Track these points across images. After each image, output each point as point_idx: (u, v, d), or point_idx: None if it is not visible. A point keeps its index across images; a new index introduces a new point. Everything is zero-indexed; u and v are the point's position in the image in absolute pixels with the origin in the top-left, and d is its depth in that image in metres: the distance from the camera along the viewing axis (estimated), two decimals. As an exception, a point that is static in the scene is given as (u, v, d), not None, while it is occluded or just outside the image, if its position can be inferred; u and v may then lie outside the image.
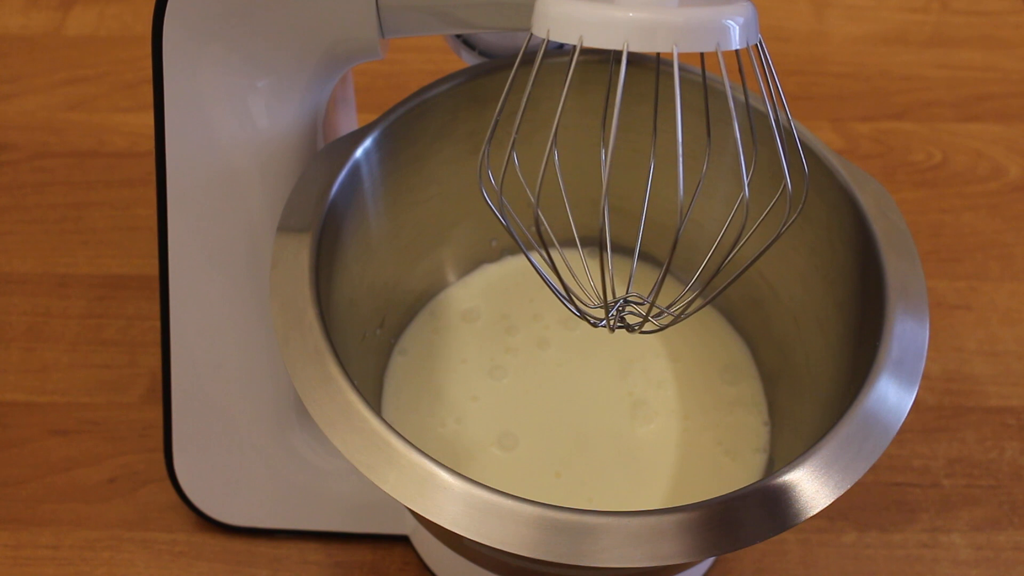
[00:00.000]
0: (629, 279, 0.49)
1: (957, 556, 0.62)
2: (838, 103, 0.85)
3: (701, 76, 0.47)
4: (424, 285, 0.63)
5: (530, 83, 0.39)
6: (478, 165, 0.43)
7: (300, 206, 0.49)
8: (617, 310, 0.46)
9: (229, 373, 0.56)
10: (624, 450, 0.57)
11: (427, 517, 0.40)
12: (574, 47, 0.38)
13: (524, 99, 0.39)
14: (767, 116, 0.51)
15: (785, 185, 0.41)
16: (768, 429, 0.58)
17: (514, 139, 0.41)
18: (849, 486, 0.42)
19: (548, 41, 0.39)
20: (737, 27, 0.37)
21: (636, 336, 0.47)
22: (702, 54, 0.41)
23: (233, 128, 0.49)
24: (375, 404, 0.48)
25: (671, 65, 0.39)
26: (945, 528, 0.63)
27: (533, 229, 0.60)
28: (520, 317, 0.61)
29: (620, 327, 0.45)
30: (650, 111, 0.49)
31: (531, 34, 0.40)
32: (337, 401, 0.43)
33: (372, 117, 0.53)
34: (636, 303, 0.46)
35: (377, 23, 0.46)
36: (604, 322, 0.45)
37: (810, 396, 0.54)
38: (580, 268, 0.58)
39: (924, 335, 0.46)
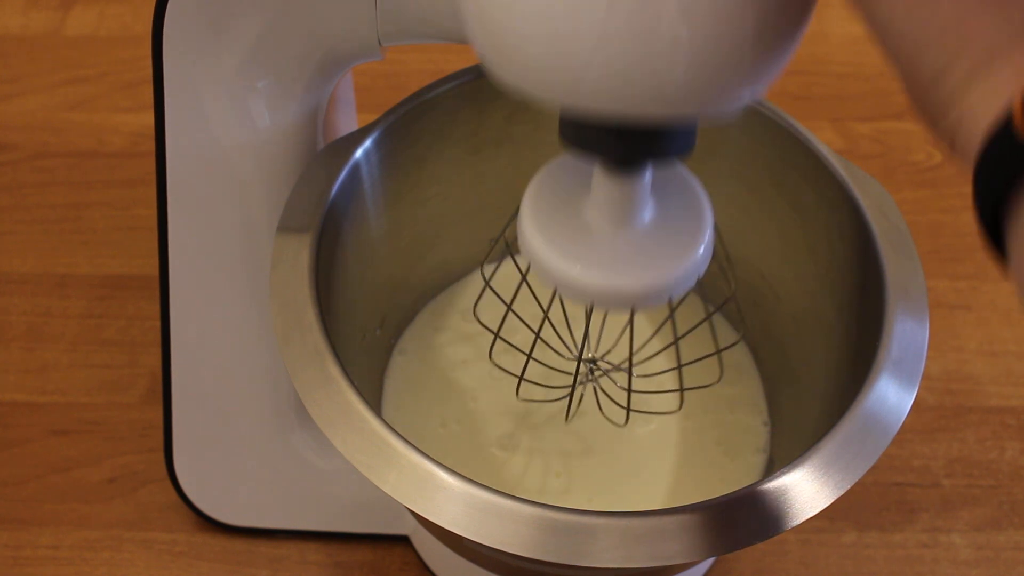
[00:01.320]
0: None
1: (957, 556, 0.62)
2: (838, 103, 0.85)
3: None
4: (424, 285, 0.63)
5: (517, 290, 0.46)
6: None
7: (300, 206, 0.49)
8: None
9: (229, 373, 0.56)
10: (624, 450, 0.57)
11: (427, 517, 0.40)
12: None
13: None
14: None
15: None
16: (768, 429, 0.58)
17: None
18: (849, 486, 0.42)
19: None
20: (688, 282, 0.42)
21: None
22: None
23: (233, 128, 0.49)
24: (375, 404, 0.48)
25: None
26: (945, 528, 0.63)
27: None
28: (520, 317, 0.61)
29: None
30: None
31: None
32: (337, 401, 0.43)
33: (372, 117, 0.53)
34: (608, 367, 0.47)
35: (376, 28, 0.46)
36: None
37: (810, 396, 0.54)
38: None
39: (924, 335, 0.46)
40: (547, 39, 0.32)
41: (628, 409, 0.50)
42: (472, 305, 0.62)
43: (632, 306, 0.42)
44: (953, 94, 0.29)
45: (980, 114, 0.28)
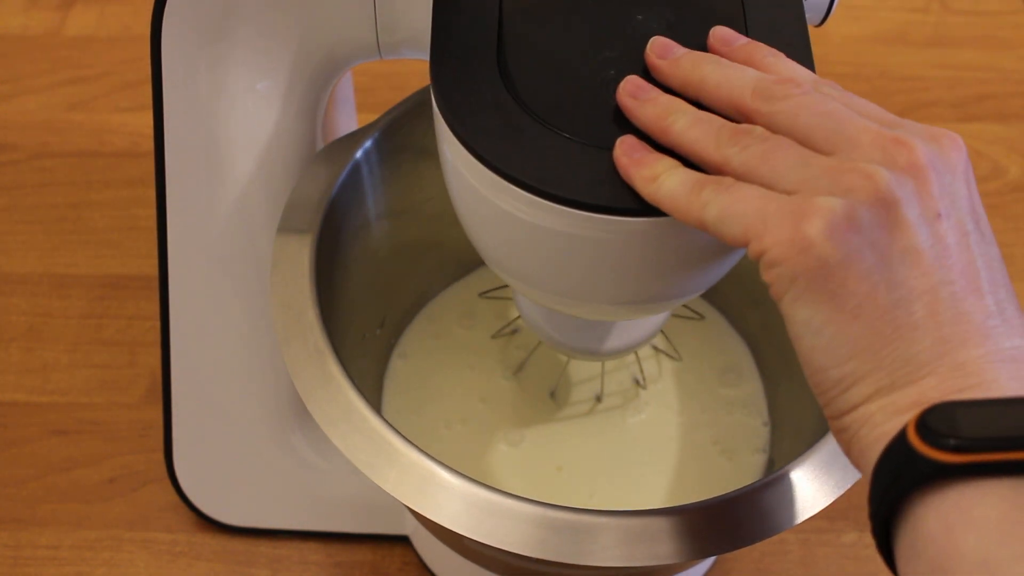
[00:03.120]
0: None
1: (957, 556, 0.62)
2: (838, 103, 0.85)
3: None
4: (424, 285, 0.63)
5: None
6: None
7: (300, 206, 0.49)
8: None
9: (229, 373, 0.56)
10: (621, 443, 0.57)
11: (427, 516, 0.40)
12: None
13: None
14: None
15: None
16: (768, 429, 0.58)
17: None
18: (849, 486, 0.42)
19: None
20: (647, 340, 0.51)
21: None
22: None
23: (233, 128, 0.49)
24: (375, 406, 0.48)
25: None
26: (945, 528, 0.63)
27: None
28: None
29: None
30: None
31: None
32: (338, 400, 0.43)
33: (372, 117, 0.53)
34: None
35: (375, 31, 0.46)
36: None
37: (810, 396, 0.53)
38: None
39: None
40: (483, 249, 0.43)
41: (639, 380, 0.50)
42: (472, 305, 0.63)
43: (602, 360, 0.55)
44: (855, 404, 0.32)
45: (879, 428, 0.31)
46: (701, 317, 0.61)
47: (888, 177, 0.31)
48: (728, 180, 0.34)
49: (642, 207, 0.35)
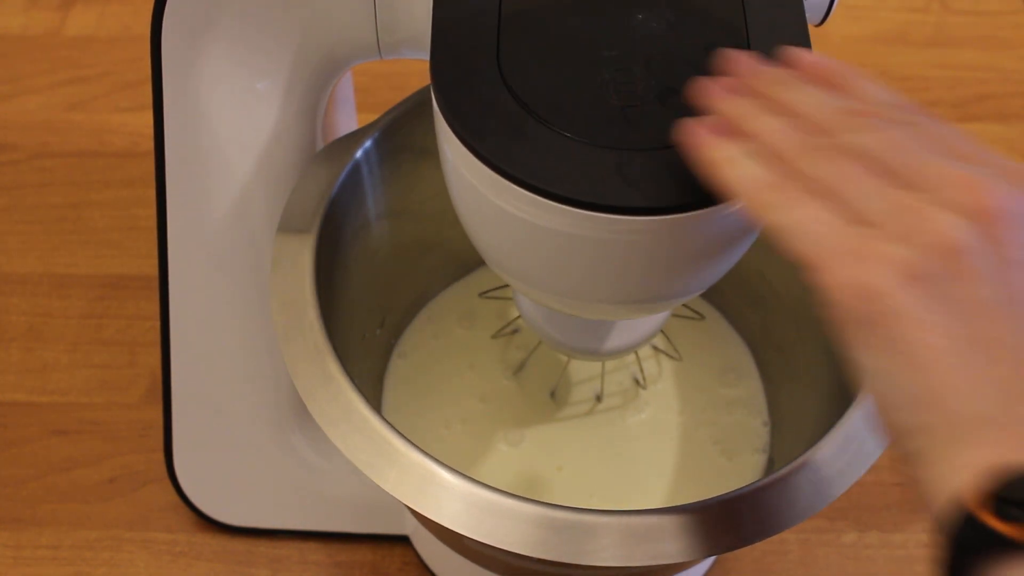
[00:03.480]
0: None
1: (957, 556, 0.62)
2: (838, 103, 0.85)
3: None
4: (424, 285, 0.63)
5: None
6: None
7: (300, 206, 0.49)
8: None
9: (229, 373, 0.56)
10: (621, 443, 0.57)
11: (427, 516, 0.40)
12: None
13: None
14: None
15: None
16: (768, 429, 0.58)
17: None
18: (849, 486, 0.42)
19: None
20: (646, 340, 0.51)
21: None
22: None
23: (233, 128, 0.49)
24: (375, 406, 0.48)
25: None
26: (945, 528, 0.63)
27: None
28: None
29: None
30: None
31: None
32: (338, 400, 0.43)
33: (372, 117, 0.53)
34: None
35: (375, 30, 0.46)
36: None
37: (810, 396, 0.54)
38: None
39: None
40: (483, 249, 0.43)
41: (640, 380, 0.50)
42: (472, 305, 0.63)
43: (603, 360, 0.55)
44: (921, 453, 0.31)
45: (945, 485, 0.30)
46: (701, 317, 0.61)
47: (959, 225, 0.30)
48: (802, 190, 0.33)
49: (643, 206, 0.35)
